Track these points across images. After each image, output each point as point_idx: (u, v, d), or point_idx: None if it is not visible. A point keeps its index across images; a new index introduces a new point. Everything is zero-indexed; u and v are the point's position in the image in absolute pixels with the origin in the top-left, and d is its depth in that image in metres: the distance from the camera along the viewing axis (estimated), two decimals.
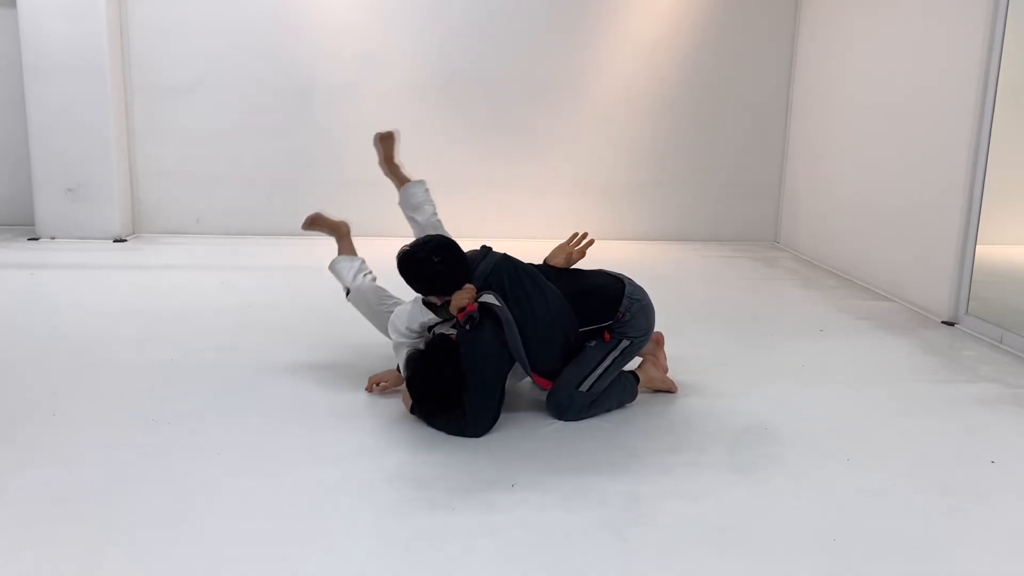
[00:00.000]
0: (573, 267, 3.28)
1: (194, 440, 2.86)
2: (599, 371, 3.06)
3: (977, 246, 4.51)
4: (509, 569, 2.13)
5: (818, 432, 3.08)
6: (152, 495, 2.46)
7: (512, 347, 2.92)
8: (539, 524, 2.35)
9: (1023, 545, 2.34)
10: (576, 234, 3.31)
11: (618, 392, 3.19)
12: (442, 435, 2.92)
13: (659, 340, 3.49)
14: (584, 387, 3.05)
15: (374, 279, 3.50)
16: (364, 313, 3.49)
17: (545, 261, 3.26)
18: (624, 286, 3.16)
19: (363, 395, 3.27)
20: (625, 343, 3.09)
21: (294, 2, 6.63)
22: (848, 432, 3.08)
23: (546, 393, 3.11)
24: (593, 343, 3.09)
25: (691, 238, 7.21)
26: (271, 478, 2.60)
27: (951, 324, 4.61)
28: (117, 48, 6.47)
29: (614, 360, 3.09)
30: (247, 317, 4.44)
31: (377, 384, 3.30)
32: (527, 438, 2.93)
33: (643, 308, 3.14)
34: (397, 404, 3.17)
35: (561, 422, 3.07)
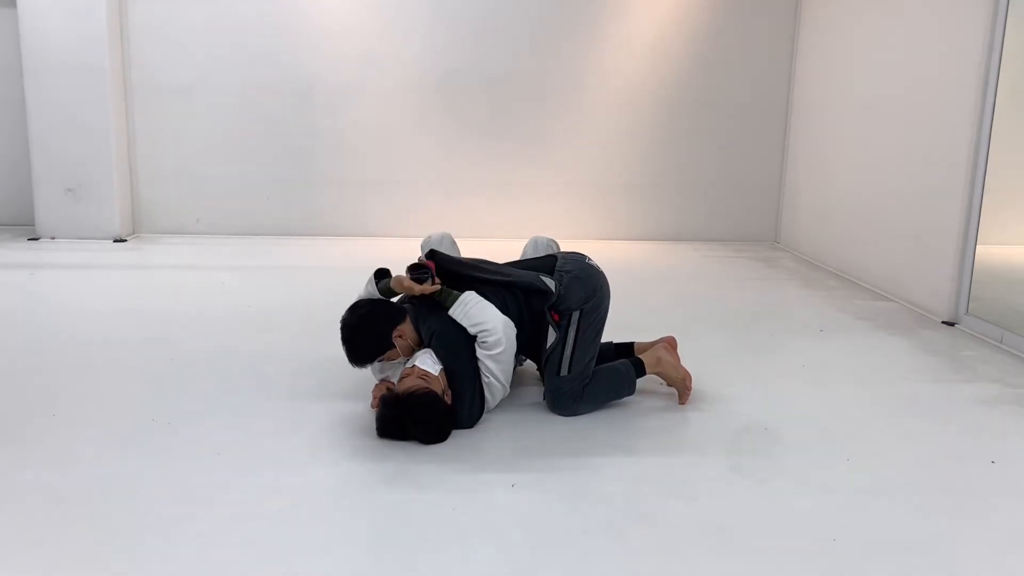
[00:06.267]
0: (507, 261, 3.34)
1: (194, 440, 2.86)
2: (567, 351, 3.07)
3: (977, 246, 4.51)
4: (509, 569, 2.13)
5: (818, 432, 3.08)
6: (152, 495, 2.46)
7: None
8: (539, 524, 2.35)
9: (1023, 545, 2.34)
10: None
11: (612, 380, 3.18)
12: None
13: (671, 343, 3.42)
14: (563, 371, 3.08)
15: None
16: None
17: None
18: (556, 260, 3.18)
19: (363, 396, 3.25)
20: (575, 315, 3.08)
21: (294, 2, 6.63)
22: (848, 432, 3.08)
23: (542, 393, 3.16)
24: (553, 333, 3.09)
25: (691, 238, 7.20)
26: (271, 478, 2.60)
27: (951, 324, 4.61)
28: (117, 48, 6.47)
29: (575, 336, 3.08)
30: (247, 317, 4.43)
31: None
32: (526, 438, 2.94)
33: (576, 279, 3.12)
34: None
35: (561, 420, 3.07)
